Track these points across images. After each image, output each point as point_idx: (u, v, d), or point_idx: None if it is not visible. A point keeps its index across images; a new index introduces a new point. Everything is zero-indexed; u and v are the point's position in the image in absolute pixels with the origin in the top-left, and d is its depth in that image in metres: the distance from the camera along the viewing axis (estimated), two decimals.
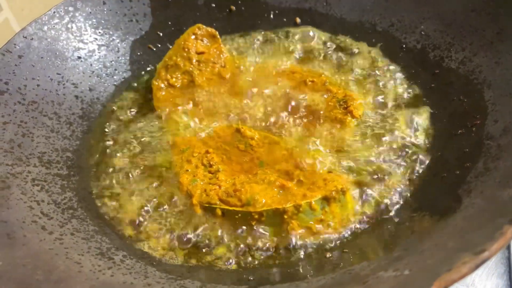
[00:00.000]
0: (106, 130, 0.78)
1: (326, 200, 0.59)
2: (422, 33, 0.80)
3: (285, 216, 0.58)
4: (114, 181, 0.70)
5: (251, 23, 0.93)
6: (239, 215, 0.60)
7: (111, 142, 0.76)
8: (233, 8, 0.93)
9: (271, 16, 0.93)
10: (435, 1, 0.79)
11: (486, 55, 0.68)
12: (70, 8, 0.82)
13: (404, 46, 0.81)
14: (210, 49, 0.82)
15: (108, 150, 0.74)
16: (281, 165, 0.67)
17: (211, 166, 0.67)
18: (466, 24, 0.74)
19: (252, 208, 0.58)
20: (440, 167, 0.63)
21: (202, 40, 0.81)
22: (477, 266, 0.37)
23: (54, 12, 0.80)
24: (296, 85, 0.79)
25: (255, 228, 0.60)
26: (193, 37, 0.81)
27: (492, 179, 0.51)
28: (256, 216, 0.59)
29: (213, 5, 0.93)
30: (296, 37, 0.89)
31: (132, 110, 0.82)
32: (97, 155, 0.74)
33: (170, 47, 0.85)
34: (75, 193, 0.67)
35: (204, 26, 0.82)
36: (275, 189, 0.61)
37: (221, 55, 0.82)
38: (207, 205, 0.61)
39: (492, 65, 0.67)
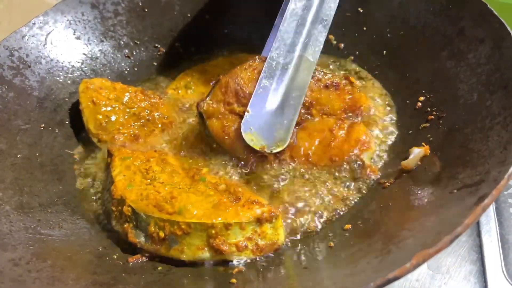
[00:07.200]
0: None
1: (259, 221, 0.58)
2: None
3: (213, 232, 0.56)
4: None
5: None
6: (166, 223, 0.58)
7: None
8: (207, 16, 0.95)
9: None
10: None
11: None
12: (50, 19, 0.85)
13: None
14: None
15: None
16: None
17: (148, 173, 0.66)
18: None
19: (181, 218, 0.57)
20: None
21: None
22: (451, 241, 0.40)
23: (34, 23, 0.82)
24: None
25: None
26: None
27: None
28: (184, 227, 0.57)
29: (188, 14, 0.95)
30: None
31: None
32: None
33: (146, 55, 0.91)
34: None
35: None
36: (210, 203, 0.59)
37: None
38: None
39: None
